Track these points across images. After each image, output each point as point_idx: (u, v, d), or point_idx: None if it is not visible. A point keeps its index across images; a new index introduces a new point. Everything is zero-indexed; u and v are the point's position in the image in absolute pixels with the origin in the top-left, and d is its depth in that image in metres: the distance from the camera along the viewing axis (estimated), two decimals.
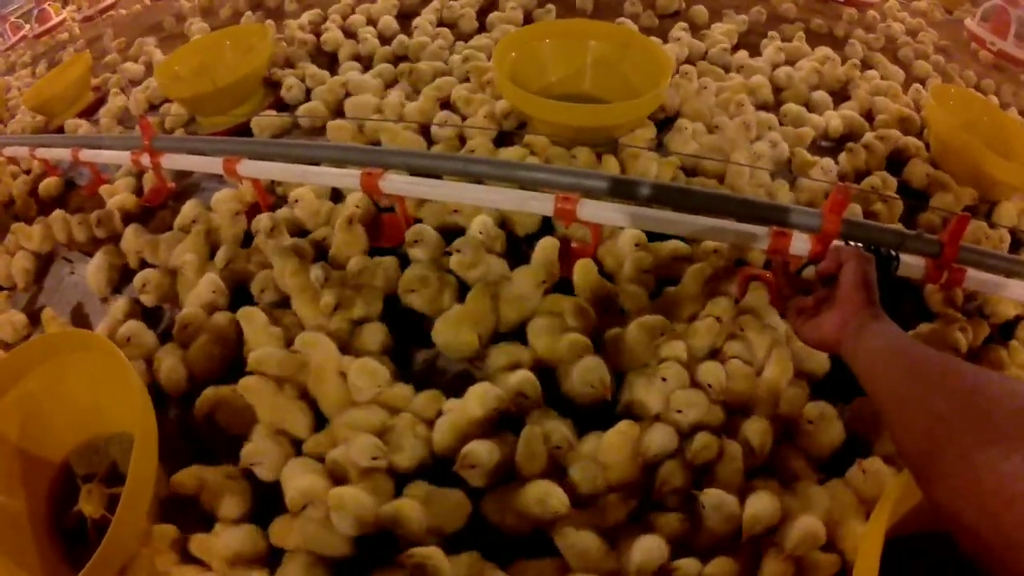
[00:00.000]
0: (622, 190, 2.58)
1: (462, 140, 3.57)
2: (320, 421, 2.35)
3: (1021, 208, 3.63)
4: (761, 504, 1.94)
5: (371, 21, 5.24)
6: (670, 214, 2.50)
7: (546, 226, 2.96)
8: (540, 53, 3.81)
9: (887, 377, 1.10)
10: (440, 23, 5.11)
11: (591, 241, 2.73)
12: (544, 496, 1.93)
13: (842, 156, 3.58)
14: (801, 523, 1.92)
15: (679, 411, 2.17)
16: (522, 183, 2.73)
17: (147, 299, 2.94)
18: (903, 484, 1.58)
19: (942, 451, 0.89)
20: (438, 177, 2.92)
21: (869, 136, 3.80)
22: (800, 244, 2.37)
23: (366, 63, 4.67)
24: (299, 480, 2.05)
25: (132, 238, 3.20)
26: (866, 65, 4.83)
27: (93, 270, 3.19)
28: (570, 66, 3.85)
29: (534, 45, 3.80)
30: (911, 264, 2.43)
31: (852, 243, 2.07)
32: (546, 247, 2.64)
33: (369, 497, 2.00)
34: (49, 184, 4.23)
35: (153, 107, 4.98)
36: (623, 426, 2.08)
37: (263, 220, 2.92)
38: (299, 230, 3.11)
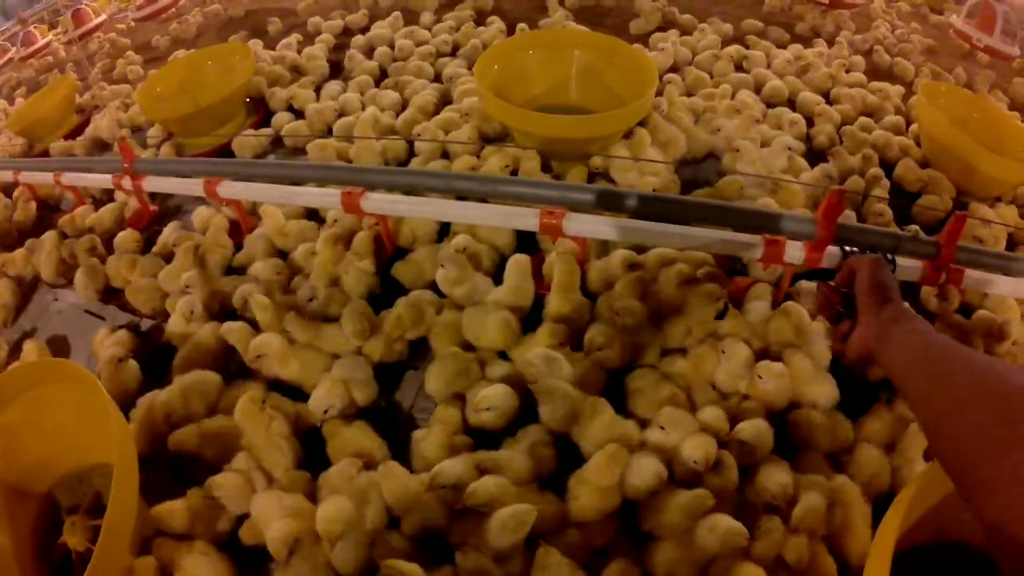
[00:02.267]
0: (609, 202, 2.53)
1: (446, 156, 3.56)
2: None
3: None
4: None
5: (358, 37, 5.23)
6: (659, 225, 2.45)
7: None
8: (524, 65, 3.78)
9: (917, 386, 1.06)
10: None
11: (578, 256, 2.65)
12: (513, 518, 1.86)
13: (831, 159, 3.54)
14: (804, 498, 1.92)
15: (662, 427, 2.11)
16: (506, 198, 2.68)
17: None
18: (913, 493, 1.53)
19: (988, 463, 0.84)
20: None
21: (859, 137, 3.76)
22: (794, 252, 2.32)
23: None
24: (277, 527, 1.97)
25: (114, 260, 3.19)
26: (853, 67, 4.78)
27: (81, 277, 3.19)
28: (555, 77, 3.81)
29: (518, 57, 3.77)
30: (908, 267, 2.40)
31: (848, 248, 2.05)
32: (519, 265, 2.60)
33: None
34: (25, 211, 4.15)
35: (139, 130, 4.93)
36: (611, 448, 1.99)
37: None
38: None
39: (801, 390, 2.27)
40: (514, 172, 3.25)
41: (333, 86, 4.51)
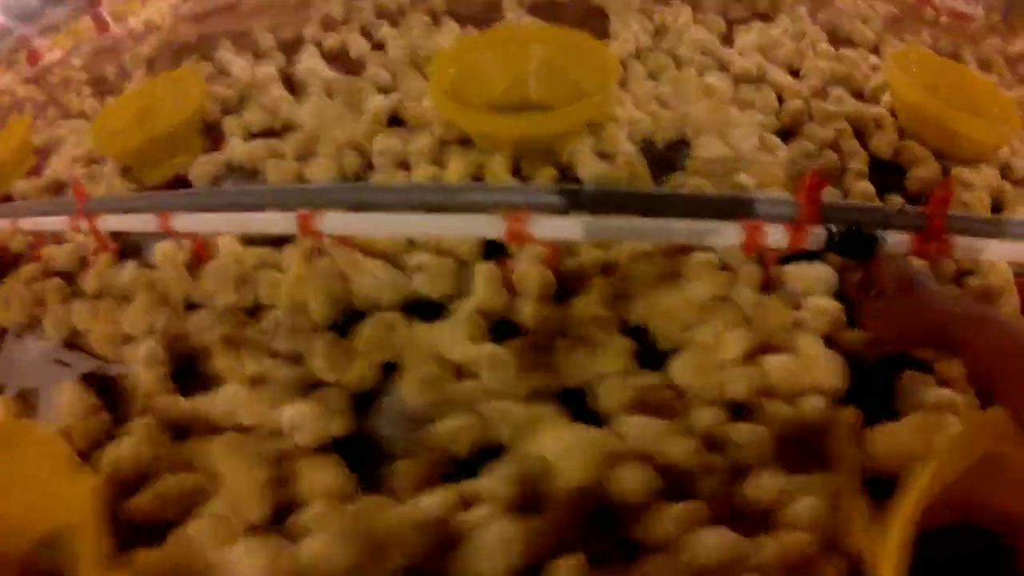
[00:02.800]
0: (575, 200, 2.42)
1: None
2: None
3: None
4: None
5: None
6: (630, 220, 2.36)
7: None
8: (481, 65, 3.67)
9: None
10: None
11: (548, 260, 2.58)
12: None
13: (803, 136, 3.46)
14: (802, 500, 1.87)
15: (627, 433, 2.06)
16: (468, 206, 2.55)
17: None
18: (929, 474, 1.45)
19: None
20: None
21: (830, 111, 3.67)
22: (777, 236, 2.22)
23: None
24: (251, 559, 1.91)
25: (77, 305, 3.09)
26: (819, 40, 4.62)
27: (48, 324, 3.13)
28: (514, 75, 3.70)
29: (473, 57, 3.67)
30: (896, 241, 2.26)
31: (833, 228, 1.99)
32: (487, 274, 2.54)
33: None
34: None
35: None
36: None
37: None
38: None
39: (810, 375, 2.21)
40: (478, 178, 3.16)
41: (288, 102, 4.37)
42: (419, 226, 2.58)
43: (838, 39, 4.73)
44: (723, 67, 4.09)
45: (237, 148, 4.03)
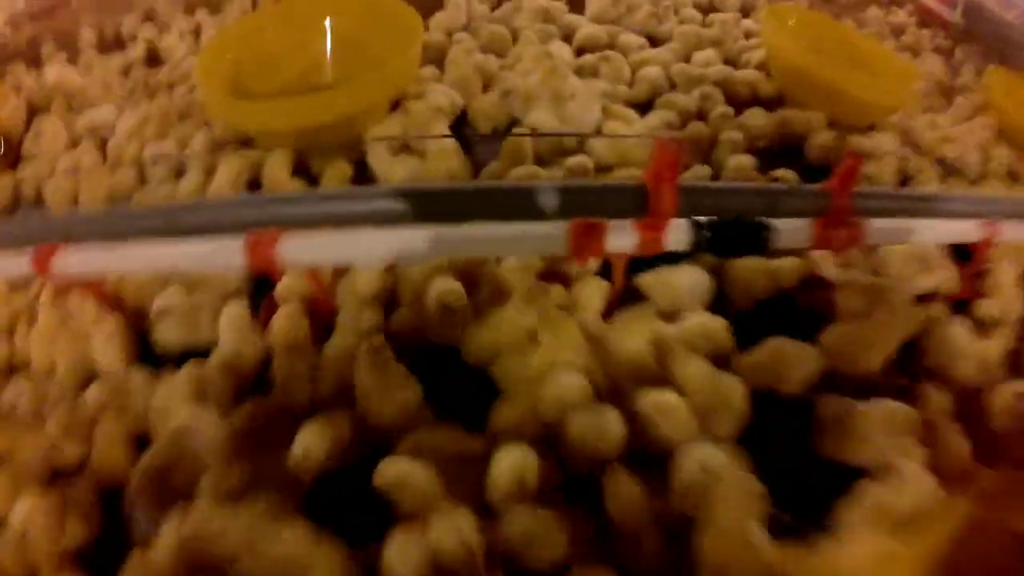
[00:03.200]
0: (355, 209, 1.72)
1: None
2: None
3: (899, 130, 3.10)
4: None
5: None
6: (424, 233, 1.64)
7: None
8: (267, 48, 3.03)
9: None
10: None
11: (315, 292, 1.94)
12: None
13: (660, 108, 2.93)
14: None
15: None
16: (205, 229, 1.82)
17: None
18: None
19: None
20: None
21: (694, 75, 3.16)
22: (621, 237, 1.59)
23: None
24: None
25: None
26: (681, 3, 4.12)
27: None
28: (309, 55, 3.06)
29: (257, 39, 3.03)
30: (791, 229, 1.68)
31: (702, 220, 1.51)
32: (233, 319, 1.91)
33: None
34: None
35: None
36: None
37: None
38: None
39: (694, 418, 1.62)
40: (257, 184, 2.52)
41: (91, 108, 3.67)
42: (139, 259, 1.87)
43: (702, 3, 4.27)
44: (568, 35, 3.57)
45: (29, 169, 3.34)
